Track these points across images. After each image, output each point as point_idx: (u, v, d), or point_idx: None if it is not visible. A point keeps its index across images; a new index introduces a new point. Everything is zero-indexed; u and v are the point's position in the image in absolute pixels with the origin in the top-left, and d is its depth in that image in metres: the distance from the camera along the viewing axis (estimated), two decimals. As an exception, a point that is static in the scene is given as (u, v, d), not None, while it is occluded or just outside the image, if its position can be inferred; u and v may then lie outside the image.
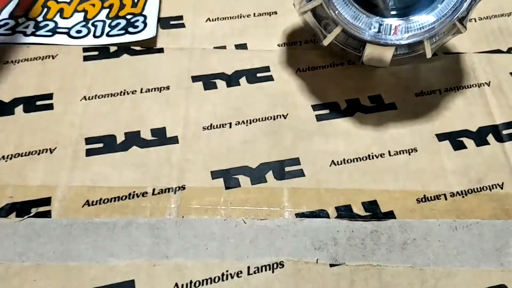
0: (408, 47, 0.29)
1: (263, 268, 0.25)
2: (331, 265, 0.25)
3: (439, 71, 0.33)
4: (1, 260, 0.24)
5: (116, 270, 0.24)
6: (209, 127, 0.30)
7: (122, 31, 0.33)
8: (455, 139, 0.30)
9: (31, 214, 0.25)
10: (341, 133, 0.30)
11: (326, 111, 0.31)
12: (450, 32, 0.29)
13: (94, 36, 0.33)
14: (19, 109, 0.30)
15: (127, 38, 0.33)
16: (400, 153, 0.29)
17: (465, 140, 0.30)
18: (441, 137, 0.30)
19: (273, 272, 0.24)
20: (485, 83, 0.32)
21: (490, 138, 0.30)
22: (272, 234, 0.26)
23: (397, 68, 0.33)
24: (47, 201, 0.26)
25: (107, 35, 0.33)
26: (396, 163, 0.28)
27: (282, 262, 0.25)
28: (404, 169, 0.28)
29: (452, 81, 0.33)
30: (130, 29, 0.33)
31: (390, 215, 0.26)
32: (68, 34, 0.33)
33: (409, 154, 0.29)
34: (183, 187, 0.27)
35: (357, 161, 0.29)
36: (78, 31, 0.33)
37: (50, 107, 0.30)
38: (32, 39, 0.33)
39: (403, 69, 0.33)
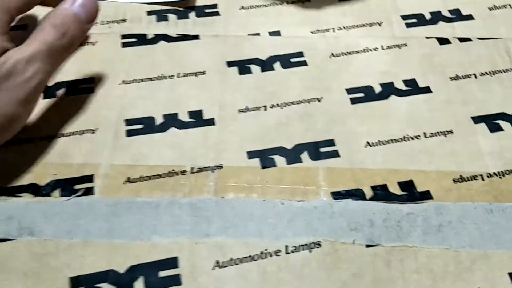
0: None
1: (301, 247, 0.25)
2: (367, 246, 0.25)
3: (473, 56, 0.33)
4: (50, 237, 0.25)
5: (160, 248, 0.25)
6: (245, 110, 0.30)
7: None
8: (491, 121, 0.30)
9: (78, 194, 0.26)
10: (376, 116, 0.30)
11: (361, 95, 0.31)
12: None
13: None
14: (61, 92, 0.31)
15: None
16: (435, 135, 0.29)
17: (502, 123, 0.30)
18: (477, 119, 0.30)
19: (310, 251, 0.25)
20: (522, 67, 0.32)
21: (528, 121, 0.30)
22: (309, 215, 0.26)
23: (431, 53, 0.33)
24: (89, 178, 0.27)
25: None
26: (431, 144, 0.29)
27: (319, 242, 0.25)
28: (439, 150, 0.28)
29: (487, 65, 0.33)
30: (173, -9, 0.36)
31: (426, 194, 0.27)
32: None
33: (445, 136, 0.29)
34: (221, 166, 0.28)
35: (392, 142, 0.29)
36: (128, -9, 0.36)
37: (91, 90, 0.31)
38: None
39: (437, 53, 0.33)
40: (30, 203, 0.26)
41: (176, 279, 0.24)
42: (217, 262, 0.24)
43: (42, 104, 0.30)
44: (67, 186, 0.27)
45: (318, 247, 0.25)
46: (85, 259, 0.24)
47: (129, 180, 0.27)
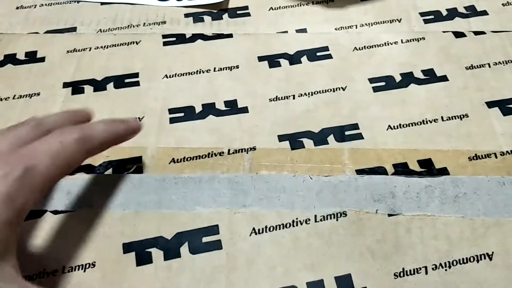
0: None
1: (328, 216, 0.28)
2: (389, 215, 0.28)
3: (488, 47, 0.35)
4: (106, 209, 0.28)
5: (202, 217, 0.28)
6: (275, 99, 0.33)
7: None
8: (504, 106, 0.32)
9: (131, 170, 0.30)
10: (396, 102, 0.33)
11: (382, 83, 0.34)
12: None
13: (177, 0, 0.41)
14: (110, 85, 0.34)
15: (203, 1, 0.40)
16: (452, 119, 0.31)
17: (514, 107, 0.32)
18: (490, 104, 0.32)
19: (337, 220, 0.28)
20: (534, 56, 0.34)
21: (539, 105, 0.32)
22: (335, 188, 0.29)
23: (448, 45, 0.36)
24: (138, 159, 0.30)
25: None
26: (448, 127, 0.31)
27: (345, 212, 0.28)
28: (456, 132, 0.31)
29: (500, 56, 0.35)
30: (205, -5, 0.41)
31: (444, 171, 0.29)
32: None
33: (461, 119, 0.31)
34: (254, 148, 0.31)
35: (412, 125, 0.31)
36: (164, -5, 0.41)
37: (136, 84, 0.35)
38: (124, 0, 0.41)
39: (453, 45, 0.36)
40: (87, 180, 0.29)
41: (217, 244, 0.27)
42: (253, 229, 0.27)
43: (93, 96, 0.34)
44: (119, 166, 0.30)
45: (344, 216, 0.28)
46: (137, 227, 0.28)
47: (173, 161, 0.30)
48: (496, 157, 0.30)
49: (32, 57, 0.37)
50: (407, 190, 0.28)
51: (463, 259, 0.26)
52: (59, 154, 0.23)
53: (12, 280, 0.21)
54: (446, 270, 0.26)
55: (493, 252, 0.26)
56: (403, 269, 0.26)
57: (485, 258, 0.26)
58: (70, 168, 0.24)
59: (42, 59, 0.36)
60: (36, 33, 0.38)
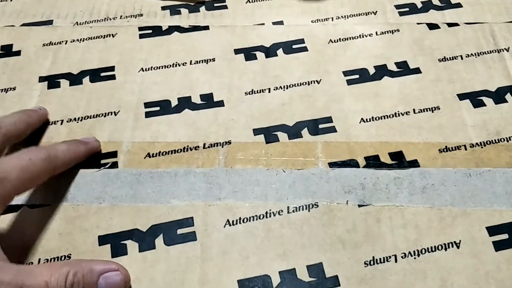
0: None
1: (301, 208, 0.28)
2: (360, 206, 0.28)
3: (461, 39, 0.36)
4: (82, 203, 0.29)
5: (177, 209, 0.28)
6: (251, 92, 0.34)
7: None
8: (475, 98, 0.33)
9: (107, 166, 0.30)
10: (370, 95, 0.33)
11: (356, 76, 0.34)
12: None
13: None
14: (86, 79, 0.35)
15: None
16: (423, 111, 0.32)
17: (485, 99, 0.32)
18: (462, 96, 0.33)
19: (309, 211, 0.28)
20: (505, 48, 0.35)
21: (508, 96, 0.32)
22: (307, 180, 0.29)
23: (422, 37, 0.36)
24: (114, 153, 0.31)
25: None
26: (420, 119, 0.32)
27: (317, 203, 0.28)
28: (427, 124, 0.31)
29: (473, 48, 0.35)
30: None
31: (414, 163, 0.30)
32: None
33: (432, 112, 0.32)
34: (229, 142, 0.31)
35: (384, 118, 0.32)
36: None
37: (112, 77, 0.35)
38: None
39: (427, 37, 0.36)
40: (64, 175, 0.29)
41: (192, 236, 0.27)
42: (228, 221, 0.28)
43: (69, 91, 0.34)
44: (94, 161, 0.30)
45: (316, 207, 0.28)
46: (112, 220, 0.28)
47: (149, 155, 0.31)
48: (466, 149, 0.30)
49: (7, 51, 0.36)
50: (376, 182, 0.29)
51: (431, 247, 0.27)
52: (28, 169, 0.26)
53: None
54: (415, 258, 0.27)
55: (460, 241, 0.27)
56: (373, 257, 0.27)
57: (452, 247, 0.27)
58: (35, 183, 0.27)
59: (17, 53, 0.36)
60: (12, 26, 0.38)
